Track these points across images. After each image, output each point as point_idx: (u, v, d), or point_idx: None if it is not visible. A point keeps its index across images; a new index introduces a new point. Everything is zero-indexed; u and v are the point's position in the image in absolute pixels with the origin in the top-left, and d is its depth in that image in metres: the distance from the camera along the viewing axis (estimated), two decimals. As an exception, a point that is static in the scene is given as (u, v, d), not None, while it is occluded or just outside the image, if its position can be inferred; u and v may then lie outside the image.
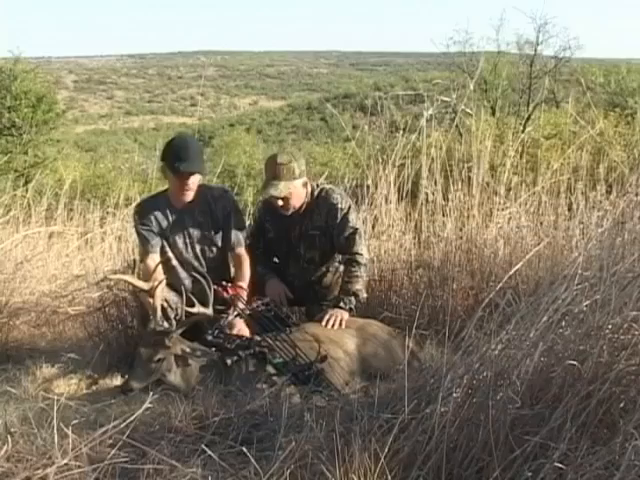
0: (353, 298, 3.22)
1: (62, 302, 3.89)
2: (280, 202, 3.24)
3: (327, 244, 3.35)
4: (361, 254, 3.27)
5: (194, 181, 3.12)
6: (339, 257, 3.42)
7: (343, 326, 3.10)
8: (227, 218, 3.25)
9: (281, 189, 3.18)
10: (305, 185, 3.29)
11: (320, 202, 3.32)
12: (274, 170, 3.19)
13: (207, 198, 3.22)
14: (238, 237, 3.27)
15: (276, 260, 3.51)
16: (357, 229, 3.29)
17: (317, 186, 3.38)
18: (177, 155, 3.07)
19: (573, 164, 4.25)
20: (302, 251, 3.38)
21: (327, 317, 3.12)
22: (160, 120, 54.93)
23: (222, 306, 3.06)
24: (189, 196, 3.15)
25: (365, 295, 3.31)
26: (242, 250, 3.29)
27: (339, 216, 3.28)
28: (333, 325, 3.09)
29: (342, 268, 3.39)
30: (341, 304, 3.20)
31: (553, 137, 7.65)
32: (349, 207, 3.31)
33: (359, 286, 3.24)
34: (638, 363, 1.83)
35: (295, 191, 3.24)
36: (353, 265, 3.27)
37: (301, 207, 3.32)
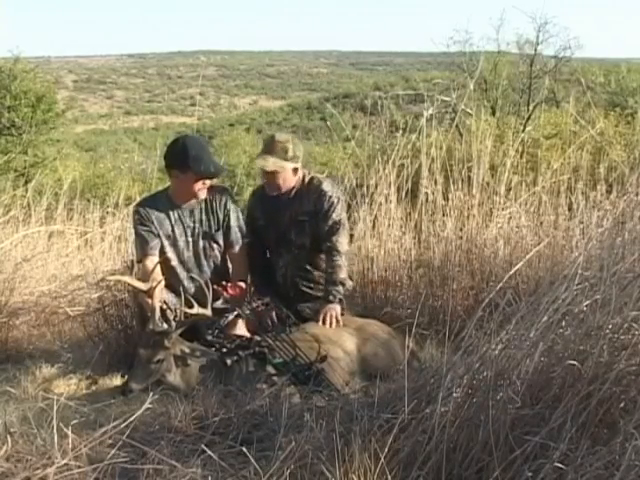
0: (340, 287, 3.23)
1: (62, 302, 3.89)
2: (265, 178, 3.32)
3: (317, 229, 3.35)
4: (341, 242, 3.28)
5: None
6: None
7: (340, 320, 3.11)
8: (227, 216, 3.28)
9: (270, 163, 3.23)
10: (295, 172, 3.32)
11: (311, 188, 3.35)
12: (269, 144, 3.28)
13: (207, 197, 3.24)
14: (237, 235, 3.30)
15: (268, 256, 3.53)
16: (341, 221, 3.31)
17: (308, 174, 3.41)
18: (200, 159, 3.09)
19: (573, 164, 4.24)
20: (293, 237, 3.38)
21: (322, 316, 3.12)
22: (160, 120, 54.95)
23: (225, 305, 3.08)
24: (204, 195, 3.20)
25: (351, 283, 3.34)
26: (240, 248, 3.30)
27: (326, 204, 3.30)
28: (331, 324, 3.09)
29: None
30: (330, 297, 3.20)
31: (553, 137, 7.65)
32: (338, 198, 3.35)
33: (343, 274, 3.25)
34: (638, 363, 1.83)
35: (283, 172, 3.27)
36: (333, 254, 3.27)
37: (290, 192, 3.35)
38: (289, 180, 3.31)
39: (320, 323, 3.09)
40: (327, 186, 3.35)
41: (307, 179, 3.37)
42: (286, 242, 3.39)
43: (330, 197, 3.31)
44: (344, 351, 2.93)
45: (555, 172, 4.11)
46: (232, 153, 22.31)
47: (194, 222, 3.24)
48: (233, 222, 3.28)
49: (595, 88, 16.59)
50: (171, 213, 3.21)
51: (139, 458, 2.06)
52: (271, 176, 3.28)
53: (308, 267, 3.39)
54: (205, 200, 3.24)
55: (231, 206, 3.29)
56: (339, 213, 3.32)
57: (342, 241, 3.29)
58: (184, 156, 3.09)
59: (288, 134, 3.39)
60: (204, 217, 3.25)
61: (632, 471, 1.60)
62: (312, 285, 3.39)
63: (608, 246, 2.19)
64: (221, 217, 3.27)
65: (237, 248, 3.30)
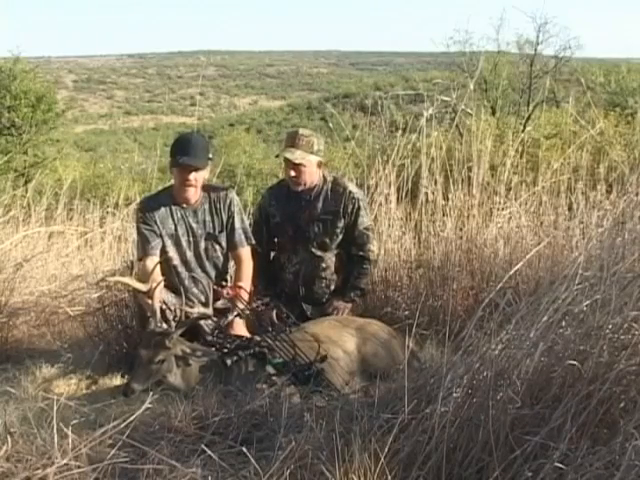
0: (359, 292, 3.44)
1: (62, 302, 3.89)
2: (292, 172, 3.32)
3: (340, 229, 3.41)
4: (372, 251, 3.45)
5: (196, 177, 3.12)
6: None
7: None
8: (231, 218, 3.27)
9: (297, 156, 3.28)
10: (319, 166, 3.38)
11: (335, 187, 3.42)
12: (293, 138, 3.32)
13: (211, 197, 3.24)
14: (241, 237, 3.29)
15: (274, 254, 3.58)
16: (370, 227, 3.46)
17: (329, 174, 3.49)
18: (180, 149, 3.11)
19: (573, 164, 4.24)
20: (312, 234, 3.42)
21: (332, 310, 3.35)
22: (160, 120, 54.84)
23: (225, 305, 3.09)
24: (190, 192, 3.16)
25: (369, 286, 3.54)
26: (244, 250, 3.30)
27: (354, 206, 3.40)
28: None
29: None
30: (347, 297, 3.41)
31: (553, 137, 7.65)
32: (364, 201, 3.48)
33: (367, 280, 3.46)
34: (638, 363, 1.83)
35: (309, 166, 3.32)
36: (365, 263, 3.43)
37: (311, 191, 3.38)
38: (314, 174, 3.36)
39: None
40: (354, 187, 3.48)
41: (329, 179, 3.43)
42: (304, 239, 3.43)
43: (359, 200, 3.42)
44: (344, 351, 2.93)
45: (555, 172, 4.11)
46: (232, 153, 22.24)
47: (197, 222, 3.23)
48: (237, 224, 3.28)
49: (595, 88, 16.59)
50: (174, 212, 3.21)
51: (139, 458, 2.06)
52: (297, 170, 3.31)
53: (323, 265, 3.41)
54: (209, 201, 3.24)
55: (235, 208, 3.29)
56: (368, 218, 3.46)
57: (373, 249, 3.46)
58: (171, 148, 3.16)
59: (311, 130, 3.50)
60: (208, 218, 3.24)
61: (632, 471, 1.60)
62: (323, 285, 3.42)
63: (608, 246, 2.19)
64: (225, 218, 3.26)
65: (241, 250, 3.29)
